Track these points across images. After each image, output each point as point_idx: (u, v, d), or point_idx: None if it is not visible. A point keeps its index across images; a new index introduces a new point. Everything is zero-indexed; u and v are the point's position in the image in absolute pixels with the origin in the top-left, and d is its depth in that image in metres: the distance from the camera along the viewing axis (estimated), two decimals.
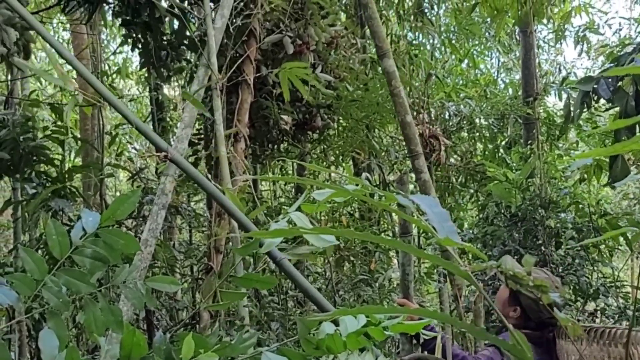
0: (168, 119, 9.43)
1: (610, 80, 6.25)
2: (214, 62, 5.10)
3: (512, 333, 1.61)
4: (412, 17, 11.17)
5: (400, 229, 5.88)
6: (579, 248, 8.07)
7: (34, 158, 6.75)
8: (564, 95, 9.25)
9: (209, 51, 5.09)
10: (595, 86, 6.32)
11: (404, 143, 10.45)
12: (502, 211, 8.57)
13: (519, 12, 9.68)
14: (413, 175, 6.59)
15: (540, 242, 8.19)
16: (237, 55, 5.71)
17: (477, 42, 13.60)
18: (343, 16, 10.78)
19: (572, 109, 7.20)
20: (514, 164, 9.44)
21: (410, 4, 11.16)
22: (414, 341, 3.82)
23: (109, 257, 2.39)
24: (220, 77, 5.12)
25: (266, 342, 5.86)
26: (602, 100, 6.71)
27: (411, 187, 6.25)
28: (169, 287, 2.57)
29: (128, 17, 5.59)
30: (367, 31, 10.91)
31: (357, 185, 1.96)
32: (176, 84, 9.43)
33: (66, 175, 6.98)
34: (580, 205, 8.70)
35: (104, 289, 2.38)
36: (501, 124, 11.65)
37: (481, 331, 1.68)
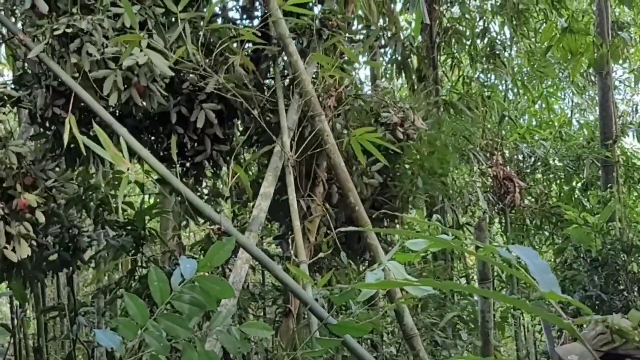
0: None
1: None
2: (286, 141, 5.38)
3: None
4: (484, 58, 11.16)
5: (480, 276, 5.84)
6: None
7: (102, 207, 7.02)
8: None
9: (282, 132, 5.41)
10: None
11: (477, 185, 10.40)
12: (582, 255, 8.37)
13: (595, 55, 9.56)
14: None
15: (622, 287, 7.97)
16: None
17: (550, 84, 13.46)
18: (415, 59, 10.86)
19: None
20: (592, 207, 9.25)
21: (481, 46, 11.16)
22: None
23: (206, 302, 2.46)
24: (292, 154, 5.32)
25: None
26: None
27: None
28: (261, 332, 2.63)
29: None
30: (439, 74, 11.01)
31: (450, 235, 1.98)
32: None
33: (142, 219, 7.19)
34: None
35: (201, 333, 2.45)
36: (577, 165, 11.45)
37: None
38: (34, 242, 5.12)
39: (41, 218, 5.04)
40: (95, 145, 3.65)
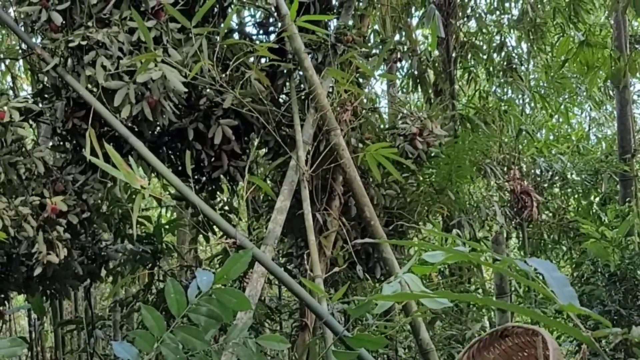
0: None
1: None
2: (302, 155, 5.36)
3: None
4: (501, 73, 11.14)
5: (497, 290, 5.81)
6: None
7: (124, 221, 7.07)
8: None
9: (297, 146, 5.40)
10: None
11: (495, 199, 10.35)
12: (600, 270, 8.30)
13: (612, 68, 9.51)
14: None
15: None
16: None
17: (567, 98, 13.40)
18: (431, 73, 10.86)
19: None
20: (610, 221, 9.17)
21: (498, 60, 11.14)
22: None
23: (222, 315, 2.46)
24: (307, 168, 5.32)
25: None
26: None
27: None
28: (277, 345, 2.63)
29: None
30: (456, 88, 10.99)
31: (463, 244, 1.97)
32: None
33: (160, 233, 7.24)
34: None
35: (218, 346, 2.45)
36: (595, 179, 11.39)
37: None
38: (66, 250, 5.16)
39: (74, 220, 5.09)
40: (107, 166, 3.65)
